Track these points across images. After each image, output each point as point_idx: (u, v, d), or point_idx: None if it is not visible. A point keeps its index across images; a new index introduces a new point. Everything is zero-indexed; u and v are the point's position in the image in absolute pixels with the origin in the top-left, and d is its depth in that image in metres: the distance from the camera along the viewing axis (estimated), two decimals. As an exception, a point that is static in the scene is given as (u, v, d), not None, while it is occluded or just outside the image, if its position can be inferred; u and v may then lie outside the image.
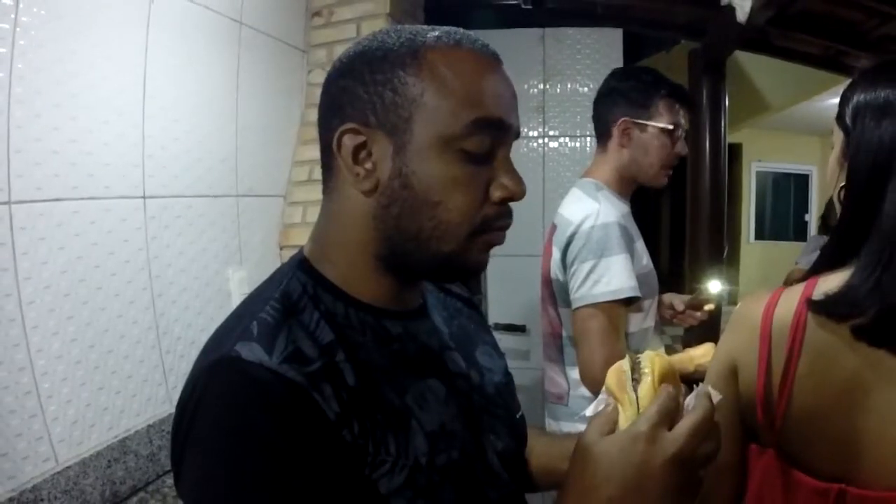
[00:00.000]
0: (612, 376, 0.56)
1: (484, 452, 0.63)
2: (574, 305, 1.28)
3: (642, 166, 1.38)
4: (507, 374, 0.74)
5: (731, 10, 2.07)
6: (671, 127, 1.34)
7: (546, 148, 2.46)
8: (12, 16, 1.04)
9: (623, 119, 1.36)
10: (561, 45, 2.43)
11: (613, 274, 1.23)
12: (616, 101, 1.39)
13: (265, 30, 1.74)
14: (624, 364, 0.56)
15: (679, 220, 2.96)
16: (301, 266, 0.60)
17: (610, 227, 1.26)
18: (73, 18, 1.16)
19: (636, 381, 0.54)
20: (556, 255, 1.35)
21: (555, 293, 1.40)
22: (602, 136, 1.43)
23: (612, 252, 1.24)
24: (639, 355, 0.56)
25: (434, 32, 0.56)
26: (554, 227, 1.40)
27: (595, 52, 2.41)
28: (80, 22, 1.17)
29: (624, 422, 0.52)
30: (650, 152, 1.36)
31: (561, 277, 1.34)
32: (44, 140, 1.10)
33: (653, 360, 0.55)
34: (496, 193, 0.56)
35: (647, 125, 1.35)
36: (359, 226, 0.57)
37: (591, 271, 1.24)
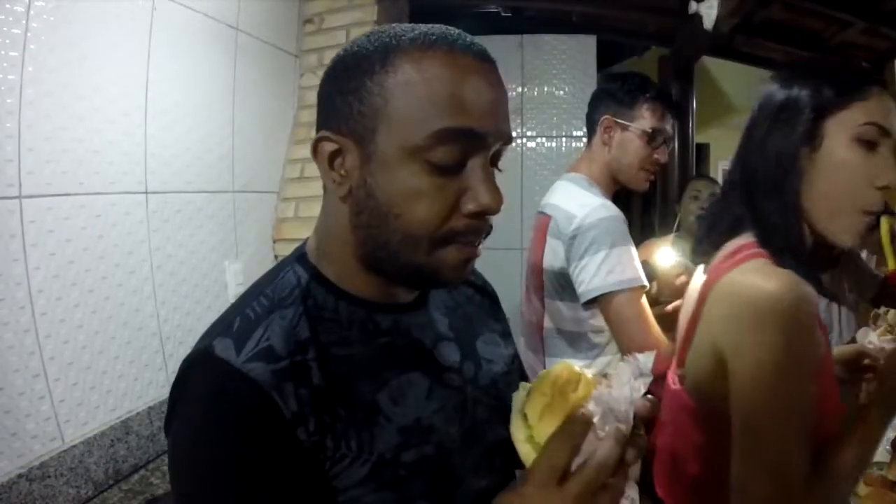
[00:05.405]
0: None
1: (471, 445, 0.62)
2: (589, 296, 1.27)
3: (622, 166, 1.39)
4: (511, 363, 0.72)
5: (698, 18, 2.19)
6: (650, 130, 1.35)
7: (524, 147, 2.55)
8: (24, 21, 1.09)
9: (606, 117, 1.38)
10: (538, 51, 2.54)
11: (625, 264, 1.25)
12: (602, 101, 1.41)
13: (260, 36, 1.80)
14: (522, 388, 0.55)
15: (649, 216, 3.07)
16: (300, 259, 0.60)
17: (615, 219, 1.28)
18: (81, 24, 1.21)
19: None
20: (555, 245, 1.34)
21: (544, 283, 1.39)
22: (589, 134, 1.46)
23: (620, 243, 1.26)
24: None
25: (412, 33, 0.52)
26: (548, 218, 1.38)
27: (570, 58, 2.52)
28: (86, 28, 1.22)
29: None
30: (629, 152, 1.37)
31: (556, 267, 1.34)
32: (53, 139, 1.16)
33: (547, 378, 0.53)
34: (467, 206, 0.52)
35: (628, 125, 1.37)
36: (341, 227, 0.56)
37: (603, 261, 1.25)
